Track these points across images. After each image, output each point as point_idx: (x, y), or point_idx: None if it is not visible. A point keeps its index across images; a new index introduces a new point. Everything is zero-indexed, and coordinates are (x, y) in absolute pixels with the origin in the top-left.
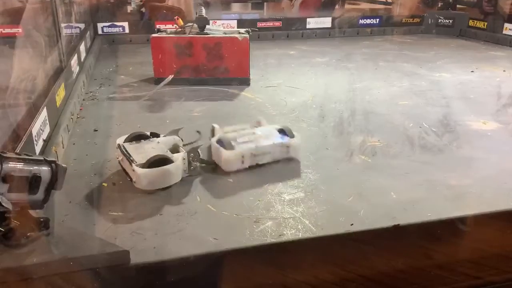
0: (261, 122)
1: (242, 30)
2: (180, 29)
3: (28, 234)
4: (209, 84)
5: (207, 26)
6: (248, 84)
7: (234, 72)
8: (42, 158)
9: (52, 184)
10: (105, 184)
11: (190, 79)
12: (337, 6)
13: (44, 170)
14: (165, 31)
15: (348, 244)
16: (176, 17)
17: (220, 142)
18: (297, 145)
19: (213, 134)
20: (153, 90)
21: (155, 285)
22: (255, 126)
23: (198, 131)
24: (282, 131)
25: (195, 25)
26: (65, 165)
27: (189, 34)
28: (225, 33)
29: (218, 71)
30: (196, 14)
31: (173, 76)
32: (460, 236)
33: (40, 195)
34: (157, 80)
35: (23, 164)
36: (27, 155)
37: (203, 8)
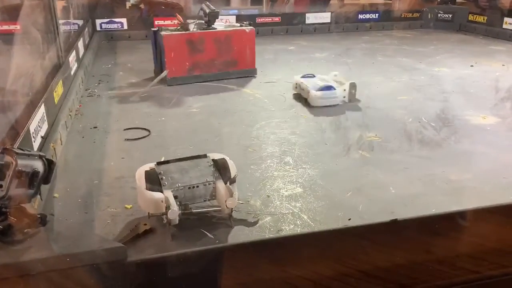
0: None
1: (244, 23)
2: (180, 26)
3: (25, 230)
4: (219, 78)
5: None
6: (255, 75)
7: (242, 64)
8: (37, 153)
9: (43, 178)
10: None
11: (202, 75)
12: (334, 1)
13: (39, 165)
14: (167, 28)
15: (346, 238)
16: (176, 14)
17: None
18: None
19: None
20: (148, 86)
21: (152, 281)
22: None
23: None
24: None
25: (198, 21)
26: (54, 160)
27: (193, 30)
28: (227, 27)
29: (227, 64)
30: (200, 10)
31: (167, 71)
32: (458, 231)
33: (32, 189)
34: (170, 80)
35: (28, 160)
36: (22, 149)
37: (208, 3)
